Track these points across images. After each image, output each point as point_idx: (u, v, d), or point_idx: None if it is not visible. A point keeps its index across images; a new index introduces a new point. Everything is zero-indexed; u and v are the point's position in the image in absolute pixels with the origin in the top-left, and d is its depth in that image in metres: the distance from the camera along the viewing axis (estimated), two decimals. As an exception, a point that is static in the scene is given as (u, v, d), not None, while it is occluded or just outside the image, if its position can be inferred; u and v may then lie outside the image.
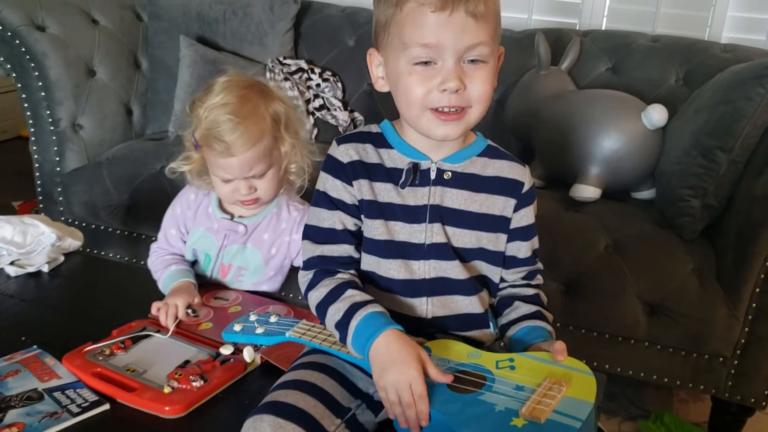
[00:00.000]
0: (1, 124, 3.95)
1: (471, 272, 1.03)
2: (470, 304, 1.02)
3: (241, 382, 1.11)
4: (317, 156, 1.35)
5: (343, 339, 0.96)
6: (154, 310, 1.26)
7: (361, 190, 1.00)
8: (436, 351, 0.96)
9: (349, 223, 1.02)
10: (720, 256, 1.70)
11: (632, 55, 2.24)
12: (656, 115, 1.88)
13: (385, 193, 1.00)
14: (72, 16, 2.35)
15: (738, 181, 1.71)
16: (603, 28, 2.52)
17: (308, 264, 1.04)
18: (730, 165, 1.68)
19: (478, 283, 1.04)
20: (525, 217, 1.05)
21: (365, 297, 0.97)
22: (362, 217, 1.01)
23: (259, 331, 1.11)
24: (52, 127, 2.24)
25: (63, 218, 2.26)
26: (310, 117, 2.42)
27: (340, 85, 2.53)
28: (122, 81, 2.48)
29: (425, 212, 1.00)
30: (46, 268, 1.47)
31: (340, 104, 2.47)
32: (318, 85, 2.47)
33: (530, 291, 1.08)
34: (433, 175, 1.00)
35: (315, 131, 2.43)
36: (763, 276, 1.59)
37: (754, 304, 1.61)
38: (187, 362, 1.12)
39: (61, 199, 2.27)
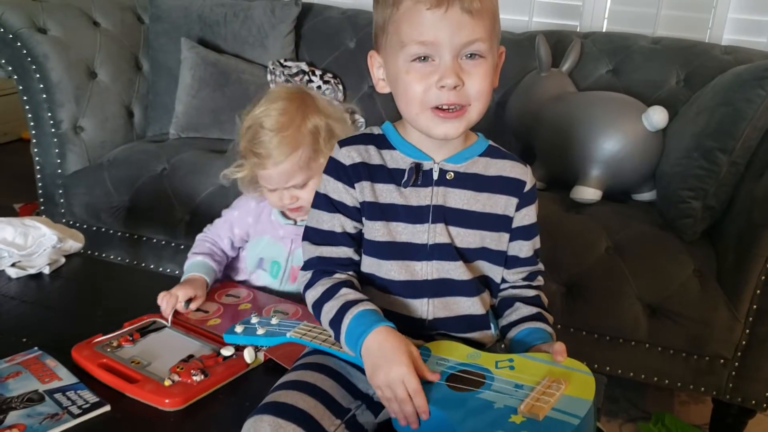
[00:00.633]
0: (3, 126, 3.95)
1: (473, 273, 1.03)
2: (472, 306, 1.02)
3: (241, 381, 1.11)
4: None
5: (337, 337, 0.97)
6: (159, 299, 1.29)
7: (362, 192, 1.00)
8: (435, 351, 0.96)
9: (349, 226, 1.02)
10: (721, 257, 1.70)
11: (633, 57, 2.25)
12: (657, 116, 1.88)
13: (387, 194, 1.00)
14: (73, 18, 2.36)
15: (739, 182, 1.71)
16: (604, 30, 2.52)
17: (307, 264, 1.04)
18: (731, 166, 1.68)
19: (480, 284, 1.04)
20: (527, 216, 1.05)
21: (358, 295, 0.97)
22: (363, 219, 1.02)
23: (260, 332, 1.11)
24: (53, 129, 2.24)
25: (64, 220, 2.26)
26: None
27: (341, 87, 2.53)
28: (123, 83, 2.48)
29: (428, 213, 1.00)
30: (47, 270, 1.47)
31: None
32: (319, 87, 2.47)
33: (531, 292, 1.08)
34: (435, 176, 1.00)
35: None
36: (763, 278, 1.59)
37: (754, 306, 1.61)
38: (190, 357, 1.14)
39: (62, 201, 2.27)
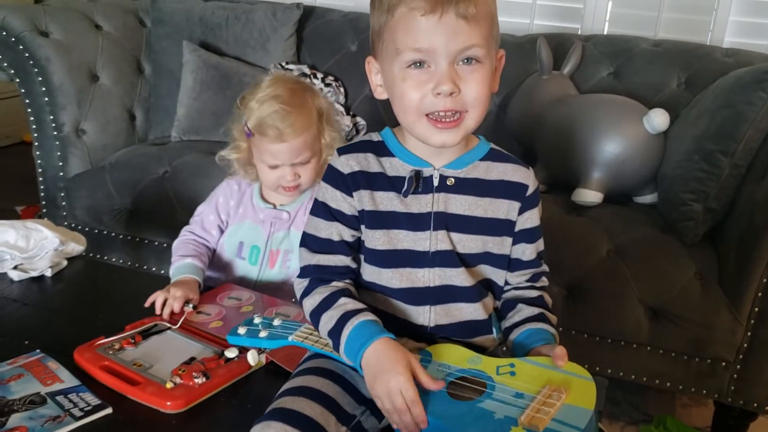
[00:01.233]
0: (5, 129, 3.96)
1: (476, 277, 1.02)
2: (474, 311, 1.02)
3: (243, 383, 1.11)
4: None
5: (336, 347, 0.96)
6: (150, 301, 1.31)
7: (361, 200, 1.00)
8: (436, 356, 0.96)
9: (347, 234, 1.02)
10: (722, 260, 1.70)
11: (634, 60, 2.25)
12: (658, 119, 1.88)
13: (388, 201, 1.00)
14: (75, 21, 2.36)
15: (740, 185, 1.71)
16: (605, 33, 2.52)
17: (304, 272, 1.04)
18: (732, 169, 1.68)
19: (482, 289, 1.04)
20: (530, 219, 1.04)
21: (358, 305, 0.97)
22: (363, 227, 1.01)
23: (263, 334, 1.11)
24: (55, 132, 2.24)
25: (66, 223, 2.26)
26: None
27: (342, 90, 2.53)
28: (125, 86, 2.49)
29: (429, 220, 0.99)
30: (49, 273, 1.47)
31: (342, 109, 2.48)
32: (320, 90, 2.47)
33: (534, 293, 1.07)
34: (435, 182, 1.00)
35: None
36: (765, 280, 1.59)
37: (756, 309, 1.61)
38: (192, 359, 1.14)
39: (64, 203, 2.28)
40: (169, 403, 1.03)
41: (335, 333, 0.95)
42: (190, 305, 1.31)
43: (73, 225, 2.26)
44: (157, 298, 1.30)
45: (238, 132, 1.45)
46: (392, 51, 0.92)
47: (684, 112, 1.99)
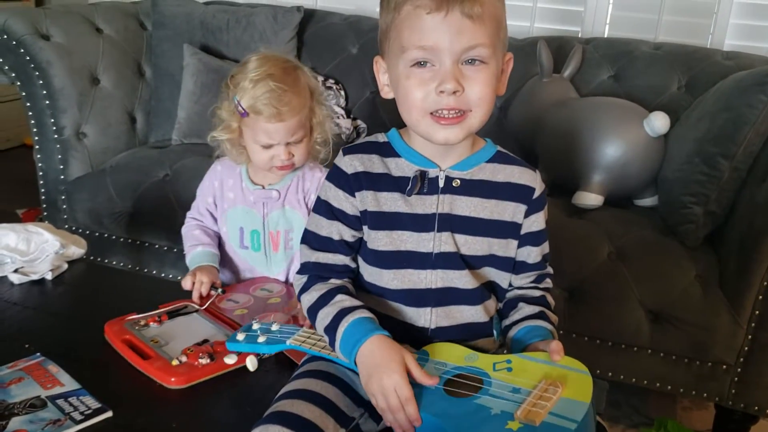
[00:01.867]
0: (6, 132, 3.96)
1: (479, 280, 1.02)
2: (475, 314, 1.02)
3: (242, 386, 1.11)
4: (339, 130, 1.48)
5: (332, 343, 0.97)
6: (186, 284, 1.38)
7: (363, 201, 1.00)
8: (433, 355, 0.96)
9: (347, 234, 1.02)
10: (723, 263, 1.70)
11: (634, 63, 2.25)
12: (658, 122, 1.88)
13: (392, 202, 1.00)
14: (76, 24, 2.37)
15: (740, 188, 1.71)
16: (605, 36, 2.53)
17: (303, 268, 1.05)
18: (733, 172, 1.68)
19: (485, 291, 1.04)
20: (536, 222, 1.04)
21: (354, 302, 0.98)
22: (365, 228, 1.02)
23: (261, 339, 1.12)
24: (56, 135, 2.25)
25: (67, 226, 2.26)
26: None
27: (343, 93, 2.53)
28: (126, 89, 2.49)
29: (434, 221, 0.99)
30: (49, 276, 1.47)
31: (342, 112, 2.48)
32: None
33: (537, 293, 1.07)
34: (441, 183, 1.00)
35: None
36: (766, 283, 1.59)
37: (757, 312, 1.61)
38: (205, 341, 1.19)
39: (64, 207, 2.28)
40: (173, 379, 1.08)
41: (331, 330, 0.96)
42: (219, 290, 1.39)
43: (73, 228, 2.26)
44: (187, 281, 1.38)
45: (227, 112, 1.44)
46: (398, 49, 0.92)
47: (684, 115, 1.99)
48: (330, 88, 2.50)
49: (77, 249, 1.56)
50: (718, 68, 2.09)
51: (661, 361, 1.71)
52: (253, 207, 1.49)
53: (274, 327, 1.15)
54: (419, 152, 1.01)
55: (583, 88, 2.27)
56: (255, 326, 1.17)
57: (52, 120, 2.24)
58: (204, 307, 1.33)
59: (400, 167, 1.01)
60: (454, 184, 1.00)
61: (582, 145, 1.95)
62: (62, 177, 2.28)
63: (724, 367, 1.67)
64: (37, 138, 2.27)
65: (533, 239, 1.05)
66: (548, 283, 1.10)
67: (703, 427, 1.91)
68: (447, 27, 0.88)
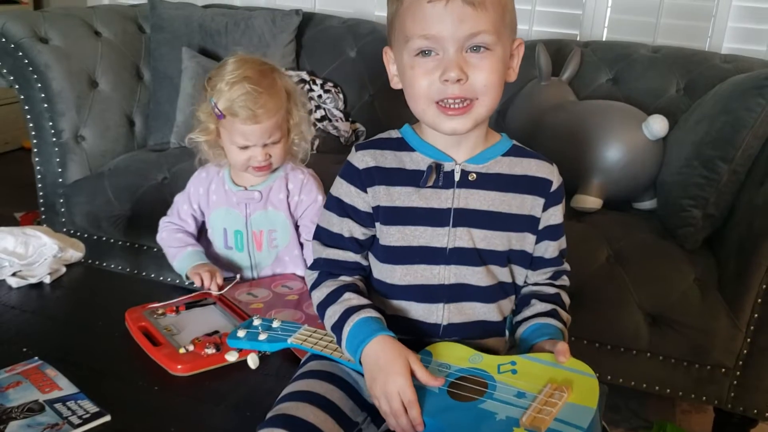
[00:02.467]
0: (4, 135, 3.96)
1: (493, 277, 1.01)
2: (488, 312, 1.01)
3: (244, 389, 1.11)
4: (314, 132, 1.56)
5: (338, 342, 0.97)
6: (205, 281, 1.41)
7: (376, 196, 0.99)
8: (436, 356, 0.96)
9: (358, 232, 1.02)
10: (722, 266, 1.70)
11: (633, 66, 2.25)
12: (657, 125, 1.88)
13: (406, 197, 0.99)
14: (74, 28, 2.37)
15: (739, 191, 1.71)
16: (604, 39, 2.53)
17: (315, 264, 1.05)
18: (731, 175, 1.68)
19: (499, 290, 1.02)
20: (554, 216, 1.03)
21: (362, 301, 0.97)
22: (377, 224, 1.01)
23: (262, 337, 1.11)
24: (54, 139, 2.24)
25: (65, 229, 2.26)
26: (311, 128, 2.42)
27: (341, 96, 2.53)
28: (124, 92, 2.49)
29: (449, 216, 0.98)
30: (47, 280, 1.47)
31: (341, 115, 2.48)
32: (319, 96, 2.48)
33: (552, 290, 1.06)
34: (457, 177, 0.98)
35: (316, 142, 2.43)
36: (765, 286, 1.59)
37: (756, 315, 1.61)
38: (215, 332, 1.22)
39: (63, 210, 2.28)
40: (179, 366, 1.12)
41: (338, 328, 0.96)
42: (237, 276, 1.46)
43: (72, 231, 2.26)
44: (203, 275, 1.41)
45: (205, 114, 1.46)
46: (402, 39, 0.92)
47: (683, 118, 1.99)
48: (329, 91, 2.50)
49: (75, 252, 1.56)
50: (717, 71, 2.09)
51: (660, 364, 1.71)
52: (236, 208, 1.51)
53: (275, 324, 1.15)
54: (433, 145, 1.00)
55: (581, 92, 2.27)
56: (256, 322, 1.16)
57: (51, 123, 2.23)
58: (224, 291, 1.38)
59: (415, 161, 1.00)
60: (470, 178, 0.98)
61: (581, 148, 1.95)
62: (60, 180, 2.27)
63: (723, 370, 1.67)
64: (35, 141, 2.27)
65: (551, 233, 1.04)
66: (564, 280, 1.08)
67: (702, 431, 1.90)
68: (449, 15, 0.87)
